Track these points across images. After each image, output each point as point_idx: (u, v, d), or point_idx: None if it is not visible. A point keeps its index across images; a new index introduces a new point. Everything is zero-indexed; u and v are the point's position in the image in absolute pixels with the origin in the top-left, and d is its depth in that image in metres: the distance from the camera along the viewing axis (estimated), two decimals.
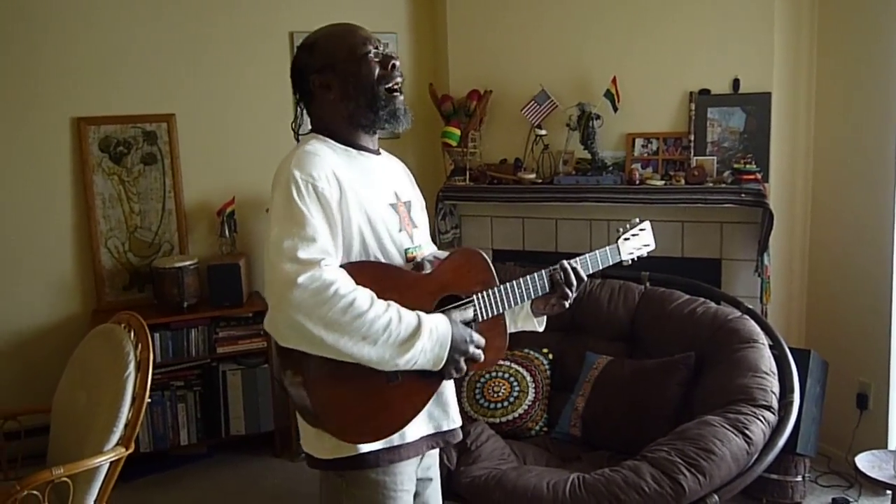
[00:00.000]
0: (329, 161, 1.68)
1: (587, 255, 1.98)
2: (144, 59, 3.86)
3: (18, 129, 3.69)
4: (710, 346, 2.99)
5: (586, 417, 3.09)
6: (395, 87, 1.78)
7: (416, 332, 1.59)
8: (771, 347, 2.93)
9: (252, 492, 3.59)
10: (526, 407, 3.23)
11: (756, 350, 2.86)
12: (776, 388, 2.73)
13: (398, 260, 1.76)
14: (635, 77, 3.70)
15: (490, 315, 1.80)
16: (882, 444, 3.36)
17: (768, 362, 2.83)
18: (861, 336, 3.47)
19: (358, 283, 1.59)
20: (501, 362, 3.33)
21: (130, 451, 2.50)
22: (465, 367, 1.69)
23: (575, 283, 1.88)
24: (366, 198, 1.71)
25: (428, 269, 1.76)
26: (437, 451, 1.91)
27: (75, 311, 3.87)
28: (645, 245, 2.12)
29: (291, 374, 1.61)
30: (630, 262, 2.09)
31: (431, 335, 1.61)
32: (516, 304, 1.85)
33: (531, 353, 3.37)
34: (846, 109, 3.50)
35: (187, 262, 3.80)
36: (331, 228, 1.62)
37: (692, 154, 3.64)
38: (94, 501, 2.49)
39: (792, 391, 2.77)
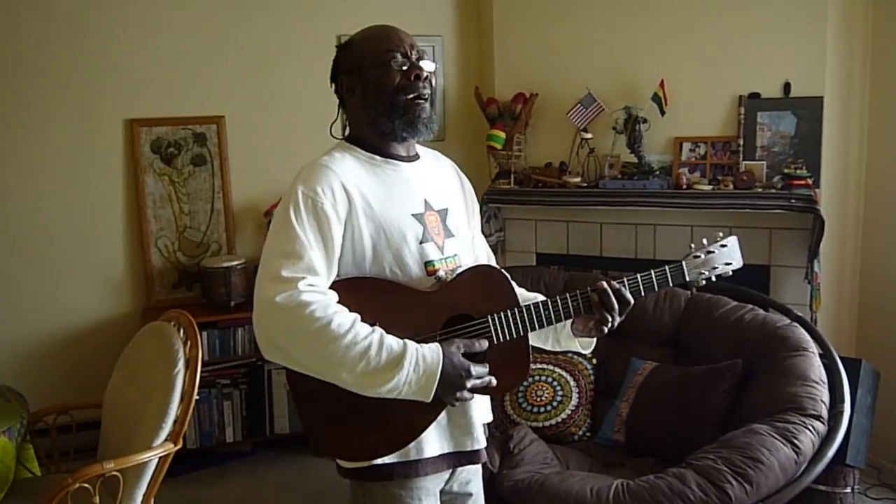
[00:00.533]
0: (343, 173, 1.66)
1: (639, 276, 1.76)
2: (195, 62, 3.93)
3: (74, 130, 3.79)
4: (758, 353, 2.95)
5: (630, 423, 3.07)
6: (417, 97, 1.71)
7: (398, 362, 1.52)
8: (821, 356, 2.88)
9: (294, 490, 3.63)
10: (569, 411, 3.22)
11: (806, 358, 2.81)
12: (826, 398, 2.68)
13: (417, 273, 1.68)
14: (683, 80, 3.66)
15: (508, 338, 1.70)
16: None
17: (818, 371, 2.77)
18: None
19: (352, 302, 1.55)
20: (544, 366, 3.32)
21: (179, 447, 2.55)
22: (467, 396, 1.61)
23: (616, 306, 1.71)
24: (382, 210, 1.67)
25: (434, 287, 1.69)
26: (477, 466, 1.85)
27: (126, 308, 3.95)
28: (727, 263, 1.86)
29: (287, 386, 1.63)
30: (703, 283, 1.85)
31: (417, 367, 1.53)
32: (540, 327, 1.72)
33: (575, 357, 3.35)
34: None
35: (235, 262, 3.86)
36: (325, 245, 1.59)
37: (741, 158, 3.59)
38: (143, 495, 2.54)
39: (842, 401, 2.71)
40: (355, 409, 1.58)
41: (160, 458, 2.52)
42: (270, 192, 4.05)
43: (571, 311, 1.73)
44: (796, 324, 3.03)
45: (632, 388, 3.14)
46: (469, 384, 1.59)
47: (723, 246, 1.86)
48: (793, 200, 3.35)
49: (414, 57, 1.73)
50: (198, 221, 4.03)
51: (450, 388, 1.57)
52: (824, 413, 2.61)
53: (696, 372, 3.02)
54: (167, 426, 2.52)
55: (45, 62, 3.70)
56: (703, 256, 1.84)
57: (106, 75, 3.79)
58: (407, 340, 1.56)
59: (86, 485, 2.34)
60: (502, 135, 3.94)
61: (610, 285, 1.72)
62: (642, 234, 3.89)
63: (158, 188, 3.93)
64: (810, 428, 2.52)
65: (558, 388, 3.26)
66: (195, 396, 2.57)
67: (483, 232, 4.05)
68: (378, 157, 1.74)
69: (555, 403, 3.23)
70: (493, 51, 4.18)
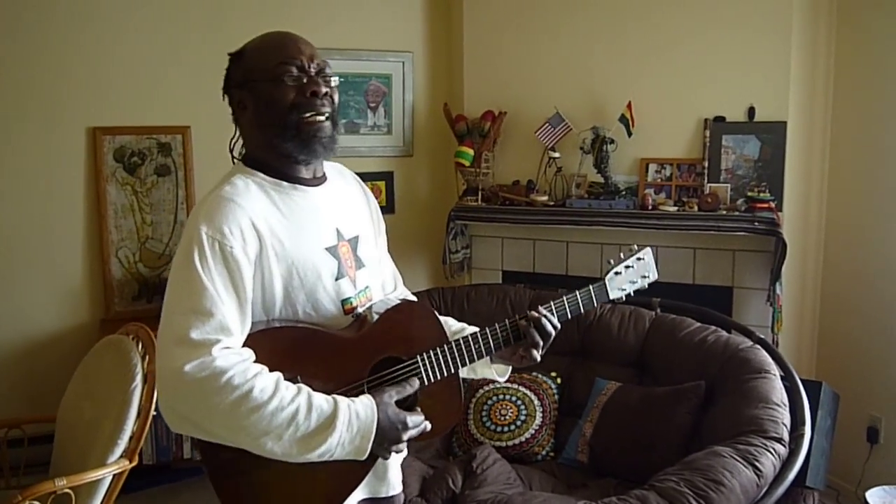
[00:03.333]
0: (250, 207, 1.48)
1: (565, 299, 1.71)
2: (161, 70, 3.88)
3: (35, 136, 3.71)
4: (720, 375, 2.96)
5: (594, 444, 3.06)
6: (314, 115, 1.53)
7: (329, 423, 1.39)
8: (782, 378, 2.90)
9: None
10: (533, 431, 3.21)
11: (767, 381, 2.83)
12: (787, 420, 2.69)
13: (334, 313, 1.55)
14: (650, 102, 3.69)
15: (439, 377, 1.59)
16: (893, 479, 3.31)
17: (779, 393, 2.79)
18: (873, 369, 3.44)
19: (269, 356, 1.41)
20: (509, 384, 3.31)
21: (134, 464, 2.49)
22: (402, 448, 1.51)
23: (550, 331, 1.65)
24: (294, 246, 1.50)
25: (356, 331, 1.56)
26: None
27: (83, 319, 3.86)
28: (643, 276, 1.85)
29: (200, 458, 1.47)
30: (623, 298, 1.83)
31: (350, 426, 1.40)
32: (471, 362, 1.62)
33: (539, 376, 3.35)
34: (861, 141, 3.49)
35: None
36: (237, 296, 1.42)
37: (706, 181, 3.63)
38: None
39: (803, 423, 2.73)
40: (279, 474, 1.44)
41: (114, 475, 2.46)
42: None
43: (501, 341, 1.64)
44: (758, 346, 3.06)
45: (596, 409, 3.14)
46: (405, 436, 1.48)
47: (639, 259, 1.85)
48: (756, 223, 3.39)
49: (312, 70, 1.55)
50: (160, 232, 3.96)
51: (385, 443, 1.46)
52: (785, 435, 2.62)
53: (660, 393, 3.03)
54: (123, 443, 2.47)
55: (7, 66, 3.62)
56: (622, 272, 1.82)
57: (69, 82, 3.73)
58: (337, 397, 1.43)
59: (36, 502, 2.27)
60: (471, 152, 3.94)
61: (539, 312, 1.66)
62: (608, 253, 3.90)
63: (121, 198, 3.87)
64: (771, 450, 2.53)
65: (522, 407, 3.25)
66: (152, 412, 2.52)
67: (450, 248, 4.10)
68: (284, 183, 1.56)
69: (518, 423, 3.22)
70: (462, 68, 4.19)
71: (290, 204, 1.55)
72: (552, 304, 1.70)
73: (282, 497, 1.48)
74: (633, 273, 1.84)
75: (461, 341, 1.62)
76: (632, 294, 1.84)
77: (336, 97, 1.60)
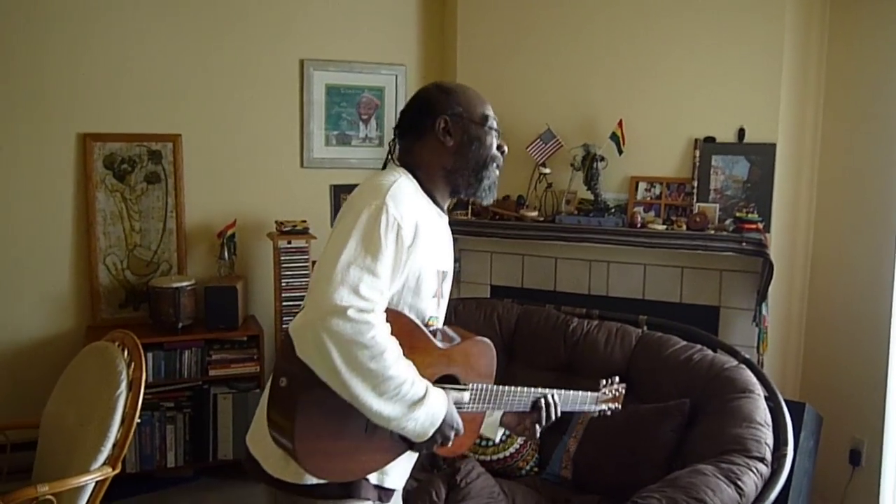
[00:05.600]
0: (416, 206, 1.69)
1: (570, 394, 2.03)
2: (154, 78, 3.89)
3: (25, 141, 3.71)
4: (705, 393, 2.97)
5: (578, 460, 3.07)
6: (497, 168, 1.84)
7: (420, 401, 1.60)
8: (766, 399, 2.91)
9: None
10: (517, 446, 3.21)
11: (751, 400, 2.84)
12: (770, 440, 2.70)
13: (418, 322, 1.76)
14: (641, 121, 3.72)
15: (476, 409, 1.82)
16: (873, 501, 3.33)
17: (763, 413, 2.80)
18: (856, 392, 3.46)
19: (391, 330, 1.59)
20: None
21: (117, 471, 2.48)
22: (437, 448, 1.71)
23: (553, 417, 1.94)
24: (424, 257, 1.70)
25: (444, 345, 1.77)
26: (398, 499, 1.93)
27: (70, 326, 3.85)
28: (616, 406, 2.23)
29: (286, 381, 1.60)
30: (597, 415, 2.20)
31: (429, 410, 1.62)
32: (499, 409, 1.88)
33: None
34: (850, 164, 3.52)
35: (184, 283, 3.80)
36: (394, 273, 1.62)
37: (695, 200, 3.65)
38: None
39: (786, 444, 2.74)
40: (339, 429, 1.62)
41: (97, 482, 2.45)
42: (224, 213, 4.01)
43: (522, 406, 1.91)
44: (743, 365, 3.07)
45: (580, 425, 3.14)
46: (451, 436, 1.69)
47: (618, 392, 2.24)
48: (743, 244, 3.41)
49: (499, 130, 1.85)
50: (149, 240, 3.96)
51: (437, 437, 1.67)
52: (768, 455, 2.63)
53: (644, 410, 3.03)
54: (106, 449, 2.45)
55: None
56: (608, 395, 2.20)
57: (61, 88, 3.73)
58: (428, 384, 1.63)
59: None
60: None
61: (553, 398, 1.95)
62: (596, 270, 3.93)
63: (110, 204, 3.86)
64: (754, 469, 2.54)
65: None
66: (137, 420, 2.51)
67: None
68: (432, 203, 1.79)
69: (503, 437, 3.22)
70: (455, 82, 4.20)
71: (431, 221, 1.76)
72: (561, 394, 2.00)
73: (329, 450, 1.62)
74: (611, 399, 2.23)
75: (504, 388, 1.86)
76: (597, 415, 2.23)
77: None
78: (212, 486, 3.84)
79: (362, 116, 4.32)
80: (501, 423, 1.98)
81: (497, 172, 1.85)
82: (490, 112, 1.83)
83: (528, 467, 3.19)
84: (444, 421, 1.66)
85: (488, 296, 4.12)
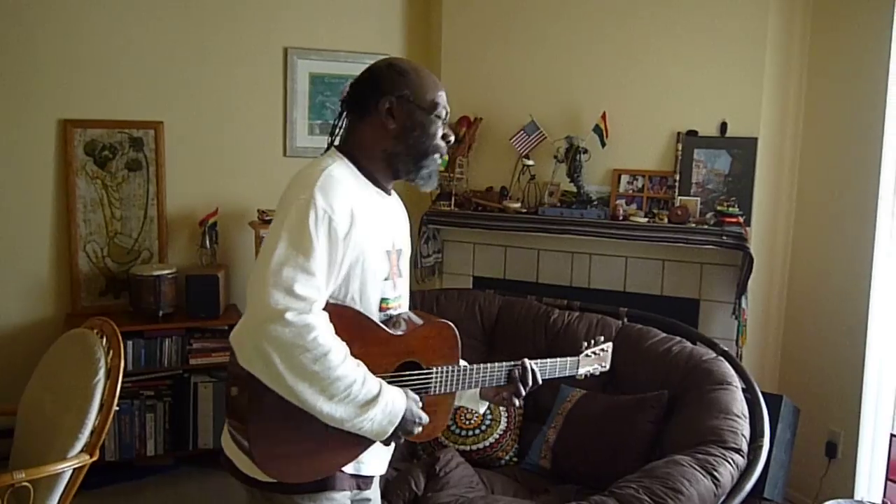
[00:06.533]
0: (350, 192, 1.64)
1: (548, 361, 1.99)
2: (136, 64, 3.85)
3: (4, 127, 3.67)
4: (683, 385, 2.99)
5: (557, 450, 3.08)
6: (441, 157, 1.81)
7: (373, 401, 1.57)
8: (744, 391, 2.93)
9: None
10: (497, 436, 3.22)
11: (729, 392, 2.87)
12: (747, 432, 2.73)
13: (373, 308, 1.72)
14: (625, 114, 3.73)
15: (442, 391, 1.79)
16: (849, 493, 3.37)
17: (740, 405, 2.83)
18: (833, 385, 3.49)
19: (336, 328, 1.55)
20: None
21: (95, 458, 2.47)
22: (402, 440, 1.70)
23: (531, 384, 1.91)
24: (366, 239, 1.66)
25: (400, 332, 1.73)
26: (376, 486, 1.92)
27: (49, 313, 3.83)
28: (601, 366, 2.18)
29: (237, 391, 1.58)
30: (581, 378, 2.14)
31: (385, 409, 1.59)
32: (470, 388, 1.85)
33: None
34: (830, 159, 3.55)
35: (165, 271, 3.78)
36: (330, 267, 1.57)
37: (676, 193, 3.67)
38: None
39: (762, 435, 2.76)
40: (298, 431, 1.59)
41: (74, 469, 2.44)
42: (206, 201, 3.99)
43: (496, 380, 1.88)
44: (722, 358, 3.10)
45: (560, 415, 3.16)
46: (415, 431, 1.68)
47: (603, 350, 2.19)
48: (724, 237, 3.44)
49: (447, 116, 1.79)
50: (129, 227, 3.94)
51: (400, 432, 1.64)
52: (744, 446, 2.66)
53: (623, 401, 3.05)
54: (84, 437, 2.44)
55: None
56: (591, 356, 2.15)
57: (40, 73, 3.69)
58: (382, 382, 1.60)
59: None
60: (445, 157, 3.94)
61: (531, 365, 1.92)
62: (578, 262, 3.94)
63: (90, 192, 3.83)
64: (730, 460, 2.56)
65: (487, 412, 3.27)
66: (115, 407, 2.50)
67: (421, 252, 4.11)
68: (371, 184, 1.74)
69: (483, 427, 3.23)
70: (440, 73, 4.20)
71: (370, 203, 1.71)
72: (538, 362, 1.95)
73: (290, 452, 1.61)
74: (595, 360, 2.17)
75: (473, 368, 1.83)
76: (585, 377, 2.16)
77: None
78: (192, 474, 3.83)
79: None
80: (481, 396, 1.96)
81: (440, 161, 1.80)
82: (441, 100, 1.76)
83: (507, 457, 3.21)
84: (404, 417, 1.63)
85: (470, 287, 4.13)
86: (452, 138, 1.82)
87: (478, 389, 1.93)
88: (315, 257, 1.53)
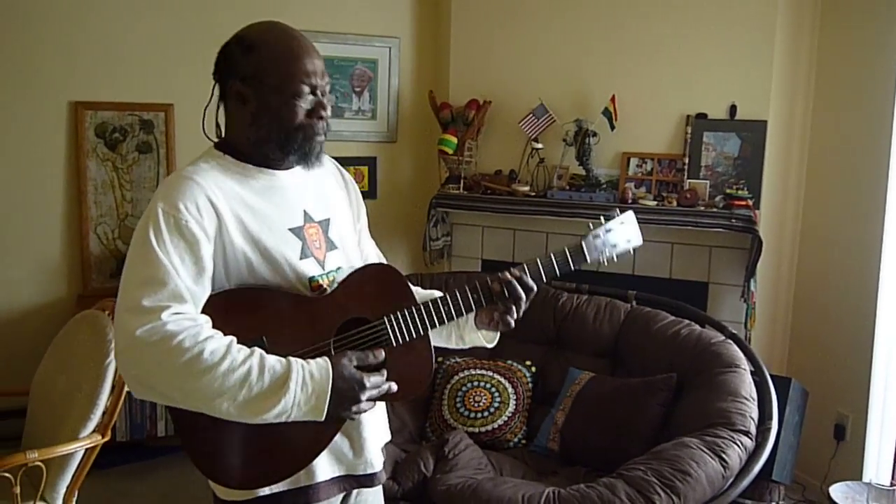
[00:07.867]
0: (208, 185, 1.49)
1: (538, 259, 1.67)
2: (147, 47, 3.85)
3: (16, 109, 3.67)
4: (692, 368, 3.00)
5: (565, 432, 3.10)
6: (314, 138, 1.57)
7: (283, 383, 1.39)
8: (752, 373, 2.94)
9: None
10: (506, 418, 3.24)
11: (737, 375, 2.87)
12: (755, 414, 2.74)
13: (300, 290, 1.55)
14: (634, 97, 3.72)
15: (406, 339, 1.57)
16: (857, 475, 3.37)
17: (749, 388, 2.83)
18: (842, 367, 3.49)
19: (232, 318, 1.44)
20: (483, 372, 3.33)
21: (107, 439, 2.50)
22: (365, 408, 1.50)
23: (523, 295, 1.63)
24: (256, 224, 1.52)
25: (319, 293, 1.56)
26: (377, 488, 1.75)
27: (60, 295, 3.85)
28: (628, 240, 1.77)
29: (167, 412, 1.49)
30: (605, 263, 1.74)
31: (304, 386, 1.41)
32: (441, 324, 1.60)
33: (514, 364, 3.37)
34: (840, 142, 3.53)
35: None
36: (194, 267, 1.44)
37: (686, 177, 3.66)
38: (67, 487, 2.49)
39: (770, 418, 2.77)
40: (247, 435, 1.46)
41: (86, 450, 2.47)
42: None
43: (472, 304, 1.62)
44: (730, 341, 3.10)
45: (568, 398, 3.17)
46: (364, 396, 1.48)
47: (622, 223, 1.77)
48: (733, 220, 3.43)
49: (321, 90, 1.58)
50: (140, 209, 3.95)
51: (344, 403, 1.46)
52: (753, 429, 2.67)
53: (632, 384, 3.06)
54: (95, 417, 2.47)
55: None
56: (602, 235, 1.74)
57: (51, 55, 3.69)
58: (291, 358, 1.43)
59: (7, 474, 2.27)
60: (454, 140, 3.95)
61: (511, 273, 1.64)
62: None
63: (101, 174, 3.85)
64: (738, 443, 2.57)
65: (496, 394, 3.28)
66: (126, 388, 2.52)
67: (430, 235, 4.11)
68: (250, 166, 1.58)
69: (492, 409, 3.25)
70: (449, 56, 4.19)
71: (254, 186, 1.57)
72: (525, 264, 1.66)
73: (249, 456, 1.49)
74: (614, 237, 1.75)
75: (430, 303, 1.60)
76: (614, 259, 1.75)
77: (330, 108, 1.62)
78: None
79: (355, 89, 4.30)
80: (477, 326, 1.71)
81: (319, 138, 1.58)
82: (298, 74, 1.53)
83: (515, 439, 3.22)
84: (336, 388, 1.43)
85: (479, 270, 4.13)
86: (326, 112, 1.57)
87: (472, 321, 1.70)
88: (162, 265, 1.40)
